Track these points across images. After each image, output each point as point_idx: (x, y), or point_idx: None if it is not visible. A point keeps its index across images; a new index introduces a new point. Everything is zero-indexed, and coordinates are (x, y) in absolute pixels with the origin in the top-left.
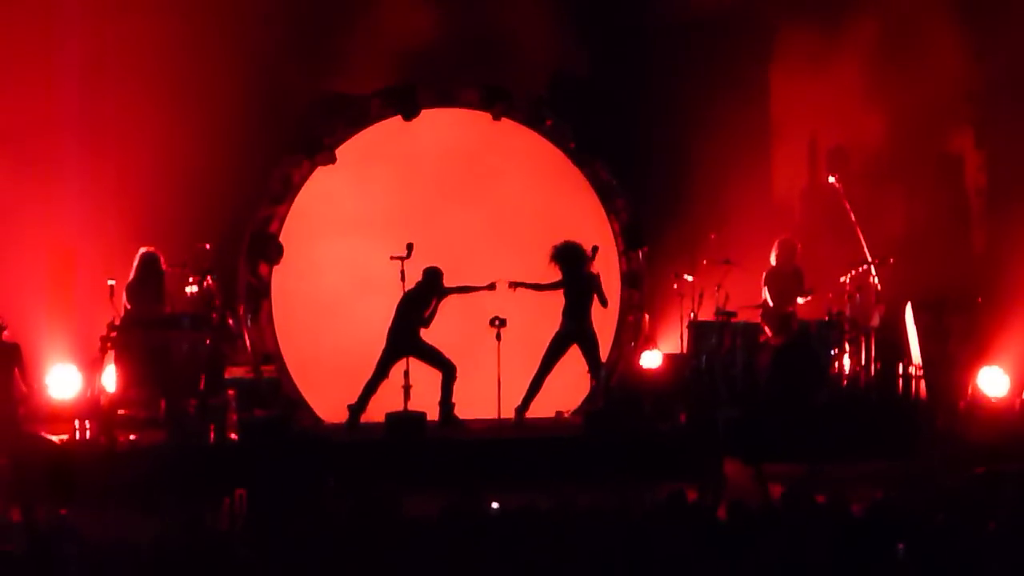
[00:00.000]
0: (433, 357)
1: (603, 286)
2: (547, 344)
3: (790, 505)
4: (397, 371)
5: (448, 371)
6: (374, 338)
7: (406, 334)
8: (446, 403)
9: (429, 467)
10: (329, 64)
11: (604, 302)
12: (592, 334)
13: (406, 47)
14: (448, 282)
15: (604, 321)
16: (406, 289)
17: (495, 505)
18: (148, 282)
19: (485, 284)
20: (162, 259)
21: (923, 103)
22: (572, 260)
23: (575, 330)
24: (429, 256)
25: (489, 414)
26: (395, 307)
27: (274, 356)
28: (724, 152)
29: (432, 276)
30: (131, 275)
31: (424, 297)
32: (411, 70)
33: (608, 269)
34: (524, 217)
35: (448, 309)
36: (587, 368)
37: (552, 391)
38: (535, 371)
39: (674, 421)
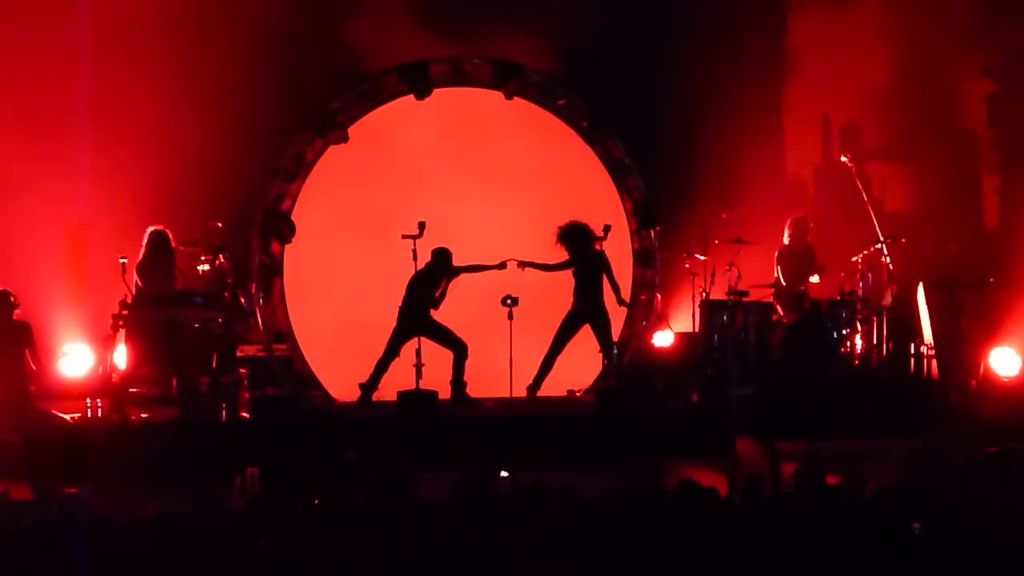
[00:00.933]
0: (444, 336)
1: (614, 265)
2: (559, 323)
3: (803, 484)
4: (408, 350)
5: (460, 350)
6: (386, 317)
7: (416, 313)
8: (458, 382)
9: (441, 445)
10: (341, 39)
11: (615, 286)
12: (604, 313)
13: (420, 22)
14: (459, 262)
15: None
16: (418, 266)
17: (504, 474)
18: (158, 260)
19: (495, 263)
20: (171, 237)
21: (936, 80)
22: (578, 239)
23: (587, 309)
24: (440, 236)
25: (501, 393)
26: (405, 287)
27: (286, 334)
28: (737, 130)
29: (440, 256)
30: (141, 253)
31: (433, 277)
32: (424, 46)
33: (620, 248)
34: (536, 197)
35: (460, 288)
36: (599, 347)
37: (564, 370)
38: (547, 350)
39: (686, 400)
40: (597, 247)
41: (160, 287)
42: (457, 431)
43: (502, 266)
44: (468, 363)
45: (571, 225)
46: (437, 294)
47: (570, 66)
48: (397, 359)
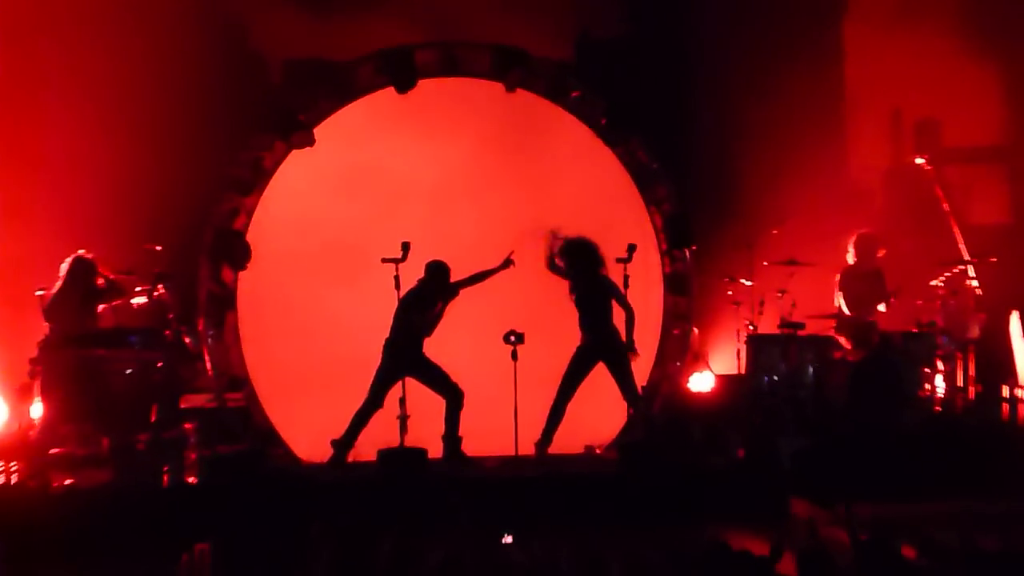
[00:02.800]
0: (437, 379)
1: (640, 294)
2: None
3: (871, 559)
4: (391, 399)
5: (454, 397)
6: (363, 359)
7: (406, 344)
8: (452, 436)
9: (432, 513)
10: (308, 24)
11: (629, 320)
12: (619, 347)
13: (402, 4)
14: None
15: (645, 335)
16: (402, 294)
17: (508, 539)
18: (72, 293)
19: (499, 265)
20: (96, 264)
21: None
22: (581, 260)
23: (596, 343)
24: (428, 259)
25: (504, 450)
26: (392, 316)
27: (241, 380)
28: (788, 128)
29: (436, 271)
30: (56, 285)
31: (427, 297)
32: (409, 31)
33: (648, 272)
34: (545, 210)
35: (453, 323)
36: (620, 392)
37: (580, 421)
38: (555, 398)
39: (730, 455)
40: (604, 272)
41: (74, 326)
42: (451, 495)
43: (508, 263)
44: (464, 413)
45: (575, 242)
46: (431, 315)
47: (585, 53)
48: (379, 411)
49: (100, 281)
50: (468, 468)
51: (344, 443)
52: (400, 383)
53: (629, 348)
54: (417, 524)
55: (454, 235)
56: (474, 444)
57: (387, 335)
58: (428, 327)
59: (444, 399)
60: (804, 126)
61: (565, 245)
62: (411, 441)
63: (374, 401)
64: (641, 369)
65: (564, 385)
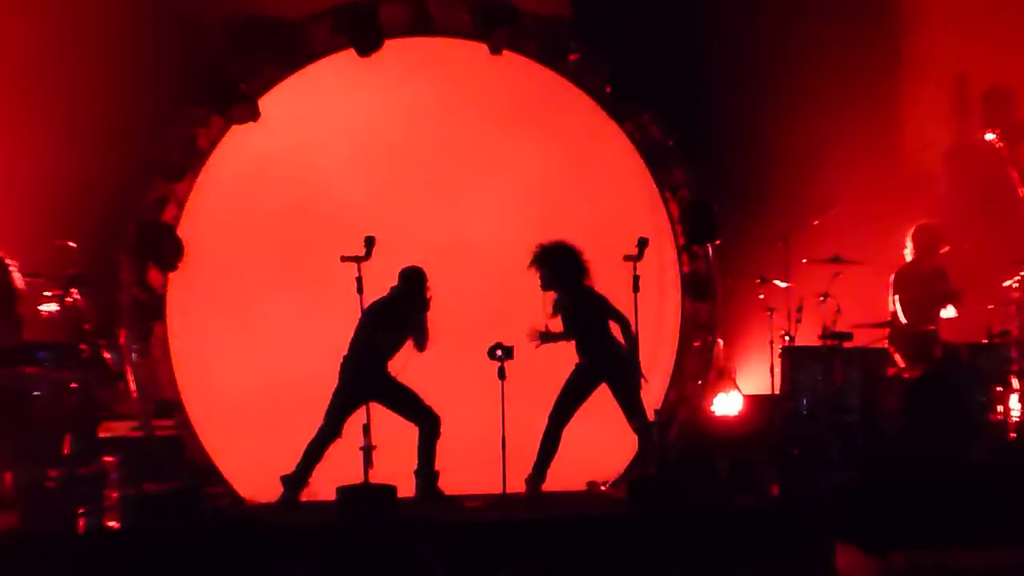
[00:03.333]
0: (406, 403)
1: (652, 295)
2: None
3: None
4: (353, 426)
5: (428, 424)
6: (317, 379)
7: (368, 366)
8: (426, 471)
9: (403, 565)
10: None
11: (627, 335)
12: (622, 363)
13: None
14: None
15: (660, 347)
16: (371, 301)
17: None
18: None
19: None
20: (9, 264)
21: None
22: (559, 268)
23: (597, 364)
24: (399, 259)
25: (490, 487)
26: (354, 328)
27: (172, 405)
28: (831, 99)
29: (411, 280)
30: None
31: (398, 312)
32: None
33: (663, 272)
34: (537, 198)
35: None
36: (625, 417)
37: (580, 451)
38: (547, 424)
39: (762, 493)
40: (588, 283)
41: None
42: (426, 542)
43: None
44: (441, 443)
45: (550, 249)
46: (400, 336)
47: (585, 7)
48: (338, 440)
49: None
50: (446, 509)
51: (296, 480)
52: (364, 408)
53: (635, 371)
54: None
55: (427, 230)
56: (453, 480)
57: (347, 351)
58: (394, 347)
59: (417, 427)
60: (851, 96)
61: (538, 254)
62: (377, 477)
63: (331, 430)
64: (654, 389)
65: (559, 408)
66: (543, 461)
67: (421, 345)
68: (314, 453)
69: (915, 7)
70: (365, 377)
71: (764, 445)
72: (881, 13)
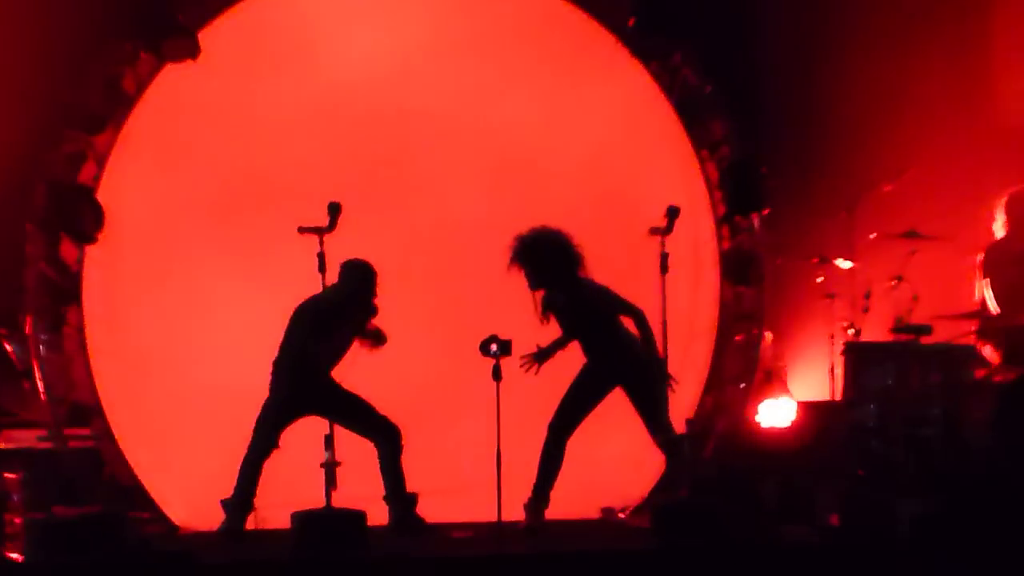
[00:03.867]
0: (355, 415)
1: (684, 277)
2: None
3: None
4: (314, 438)
5: (386, 438)
6: (262, 378)
7: (303, 371)
8: (398, 494)
9: None
10: None
11: (646, 337)
12: (638, 366)
13: None
14: (396, 283)
15: (693, 342)
16: (317, 292)
17: None
18: None
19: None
20: None
21: None
22: (546, 261)
23: (610, 368)
24: (366, 230)
25: (480, 514)
26: (287, 323)
27: (90, 409)
28: (909, 37)
29: (355, 274)
30: None
31: (340, 312)
32: None
33: (698, 249)
34: (540, 158)
35: (405, 323)
36: (647, 429)
37: (593, 470)
38: (547, 435)
39: (820, 523)
40: (583, 274)
41: None
42: None
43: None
44: (423, 459)
45: (542, 237)
46: (338, 344)
47: None
48: (279, 454)
49: None
50: (427, 541)
51: (238, 504)
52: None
53: (659, 372)
54: None
55: (405, 197)
56: (436, 505)
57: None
58: (336, 356)
59: (374, 444)
60: (932, 34)
61: (516, 249)
62: (342, 500)
63: (262, 444)
64: (685, 394)
65: (561, 417)
66: (544, 482)
67: (378, 341)
68: (250, 473)
69: None
70: (300, 384)
71: (822, 464)
72: None
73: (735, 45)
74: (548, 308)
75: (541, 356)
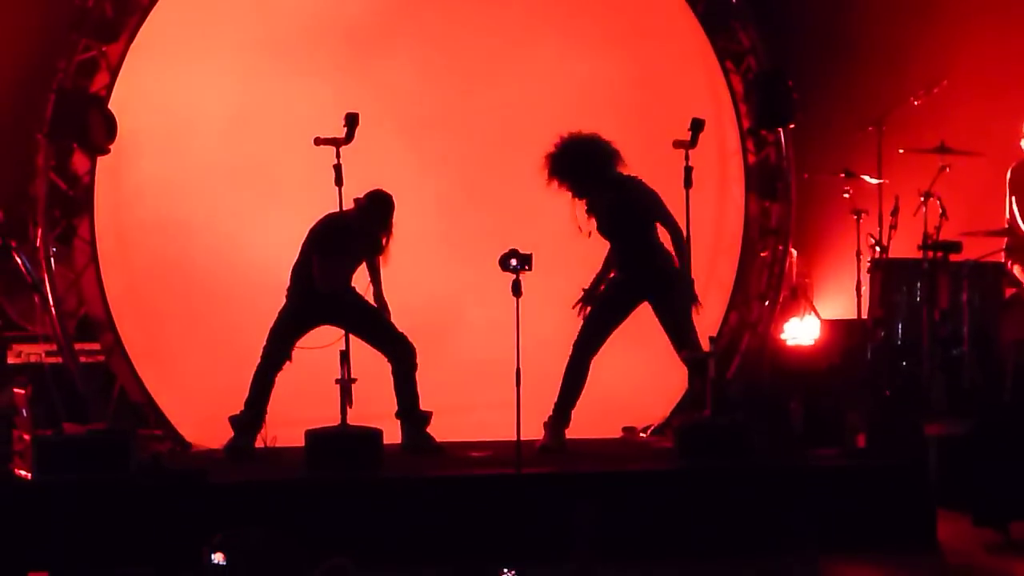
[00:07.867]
0: (372, 327)
1: (709, 192)
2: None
3: None
4: (330, 353)
5: (400, 354)
6: (282, 290)
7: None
8: (411, 411)
9: (393, 529)
10: None
11: (679, 247)
12: (669, 281)
13: None
14: (414, 199)
15: (717, 258)
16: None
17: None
18: None
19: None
20: None
21: None
22: (588, 167)
23: (638, 279)
24: (381, 148)
25: (499, 433)
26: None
27: (100, 323)
28: None
29: (376, 205)
30: None
31: (346, 237)
32: None
33: (723, 163)
34: (560, 71)
35: (419, 237)
36: (673, 346)
37: (615, 388)
38: (572, 352)
39: (847, 445)
40: (624, 171)
41: None
42: (417, 503)
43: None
44: (441, 377)
45: (572, 145)
46: (349, 267)
47: None
48: (291, 367)
49: None
50: (442, 461)
51: (246, 421)
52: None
53: (687, 293)
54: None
55: (427, 100)
56: (453, 424)
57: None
58: (345, 279)
59: (389, 360)
60: None
61: (550, 165)
62: (358, 418)
63: (275, 355)
64: (710, 311)
65: (587, 332)
66: (567, 400)
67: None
68: (261, 386)
69: None
70: (315, 292)
71: (849, 384)
72: None
73: None
74: (592, 210)
75: (589, 296)
